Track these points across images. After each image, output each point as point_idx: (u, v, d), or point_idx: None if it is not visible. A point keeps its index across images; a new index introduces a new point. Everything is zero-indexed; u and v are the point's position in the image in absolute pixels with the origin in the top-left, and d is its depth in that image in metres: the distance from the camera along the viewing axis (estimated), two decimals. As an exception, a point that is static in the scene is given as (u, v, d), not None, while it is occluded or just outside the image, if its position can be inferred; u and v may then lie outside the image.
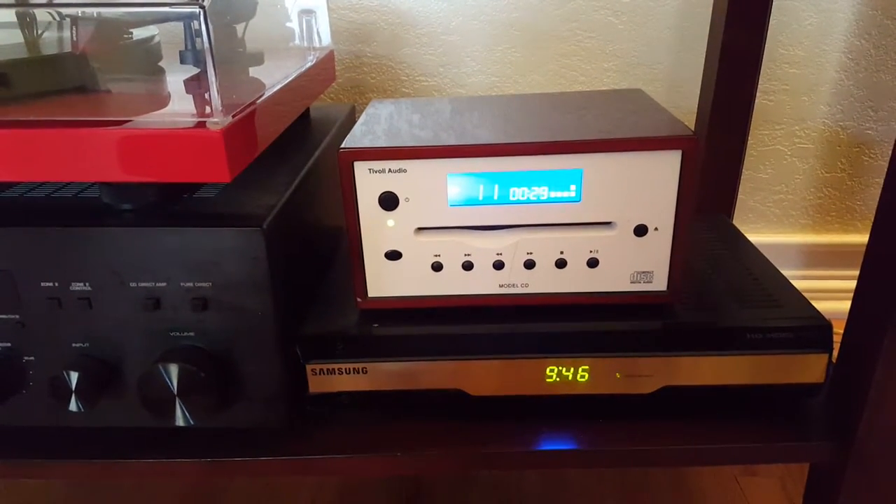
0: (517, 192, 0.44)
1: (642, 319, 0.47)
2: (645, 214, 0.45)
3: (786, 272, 0.55)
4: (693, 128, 0.78)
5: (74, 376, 0.42)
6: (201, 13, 0.36)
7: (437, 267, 0.47)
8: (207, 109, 0.40)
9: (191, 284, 0.42)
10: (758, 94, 0.78)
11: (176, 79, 0.49)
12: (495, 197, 0.45)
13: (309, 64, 0.61)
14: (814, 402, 0.49)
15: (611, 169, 0.44)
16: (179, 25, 0.44)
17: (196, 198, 0.46)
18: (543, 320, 0.47)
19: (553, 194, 0.44)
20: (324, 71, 0.67)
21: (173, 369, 0.42)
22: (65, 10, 0.45)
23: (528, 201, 0.45)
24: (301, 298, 0.50)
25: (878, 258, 0.44)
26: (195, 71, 0.45)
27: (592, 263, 0.46)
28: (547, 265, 0.46)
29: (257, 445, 0.46)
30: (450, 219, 0.45)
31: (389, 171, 0.44)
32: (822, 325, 0.46)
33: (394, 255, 0.46)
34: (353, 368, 0.47)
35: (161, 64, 0.51)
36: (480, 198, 0.45)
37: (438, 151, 0.43)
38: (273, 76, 0.53)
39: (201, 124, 0.38)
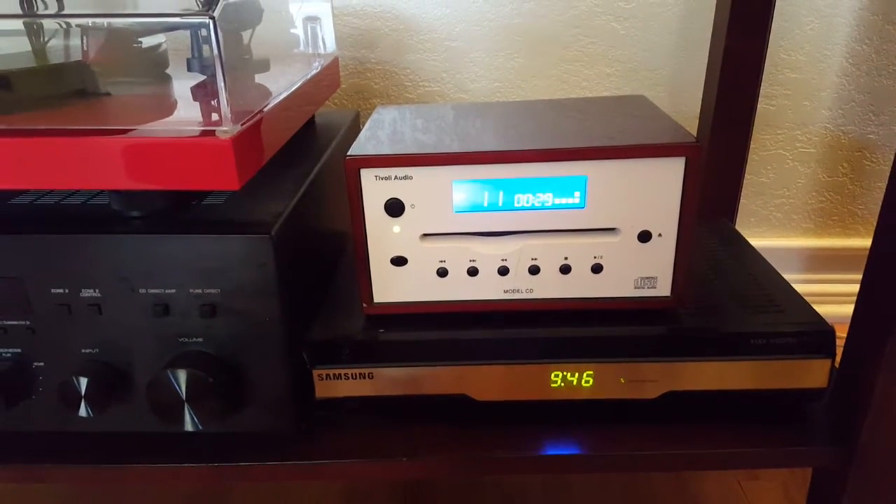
0: (522, 199, 0.45)
1: (646, 325, 0.47)
2: (649, 220, 0.45)
3: (788, 276, 0.55)
4: (695, 132, 0.78)
5: (84, 382, 0.43)
6: (211, 23, 0.37)
7: (442, 273, 0.47)
8: (216, 117, 0.40)
9: (199, 291, 0.42)
10: (760, 99, 0.78)
11: (183, 86, 0.50)
12: (500, 203, 0.45)
13: (314, 70, 0.62)
14: (817, 407, 0.49)
15: (615, 176, 0.44)
16: (186, 32, 0.45)
17: (204, 205, 0.46)
18: (548, 326, 0.47)
19: (557, 201, 0.45)
20: (329, 77, 0.67)
21: (182, 375, 0.42)
22: (75, 20, 0.45)
23: (533, 207, 0.45)
24: (308, 304, 0.50)
25: (881, 262, 0.44)
26: (202, 78, 0.46)
27: (596, 269, 0.47)
28: (551, 271, 0.47)
29: (264, 450, 0.47)
30: (455, 225, 0.46)
31: (395, 177, 0.44)
32: (825, 331, 0.46)
33: (399, 261, 0.47)
34: (359, 374, 0.47)
35: (168, 71, 0.52)
36: (485, 204, 0.45)
37: (444, 159, 0.44)
38: (279, 83, 0.53)
39: (210, 132, 0.39)
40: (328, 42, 0.69)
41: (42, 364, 0.45)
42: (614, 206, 0.45)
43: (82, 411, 0.43)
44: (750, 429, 0.47)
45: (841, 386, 0.48)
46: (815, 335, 0.46)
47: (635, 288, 0.47)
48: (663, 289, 0.47)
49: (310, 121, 0.68)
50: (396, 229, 0.46)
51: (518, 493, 0.68)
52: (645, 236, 0.46)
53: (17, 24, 0.47)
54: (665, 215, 0.45)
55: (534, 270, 0.47)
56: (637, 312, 0.48)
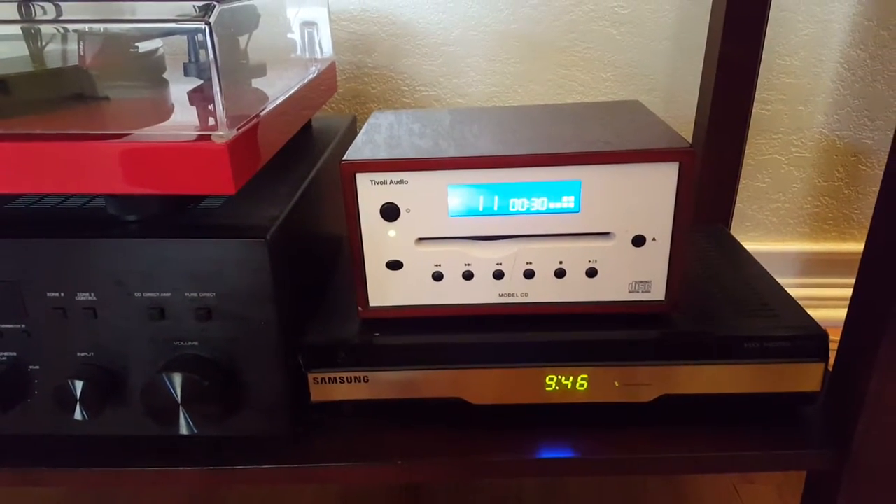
0: (517, 203, 0.45)
1: (641, 329, 0.47)
2: (643, 225, 0.45)
3: (783, 280, 0.55)
4: (691, 137, 0.79)
5: (79, 385, 0.43)
6: (207, 29, 0.37)
7: (437, 276, 0.47)
8: (212, 122, 0.40)
9: (195, 294, 0.43)
10: (755, 104, 0.78)
11: (179, 90, 0.50)
12: (495, 208, 0.45)
13: (311, 75, 0.62)
14: (811, 411, 0.49)
15: (609, 180, 0.44)
16: (183, 38, 0.45)
17: (200, 209, 0.46)
18: (543, 329, 0.47)
19: (552, 205, 0.45)
20: (326, 82, 0.67)
21: (177, 378, 0.42)
22: (71, 25, 0.45)
23: (528, 212, 0.45)
24: (303, 308, 0.50)
25: (874, 266, 0.44)
26: (198, 83, 0.46)
27: (591, 273, 0.47)
28: (546, 275, 0.47)
29: (259, 453, 0.47)
30: (450, 229, 0.46)
31: (391, 182, 0.45)
32: (818, 335, 0.46)
33: (395, 265, 0.47)
34: (355, 377, 0.48)
35: (165, 76, 0.52)
36: (480, 208, 0.45)
37: (439, 163, 0.44)
38: (276, 88, 0.53)
39: (206, 137, 0.39)
40: (325, 47, 0.69)
41: (37, 367, 0.45)
42: (609, 210, 0.45)
43: (78, 415, 0.43)
44: (744, 432, 0.48)
45: (834, 389, 0.48)
46: (809, 339, 0.46)
47: (630, 292, 0.47)
48: (657, 293, 0.47)
49: (307, 125, 0.68)
50: (392, 233, 0.46)
51: (514, 496, 0.68)
52: (639, 241, 0.46)
53: (15, 30, 0.47)
54: (659, 220, 0.45)
55: (529, 274, 0.47)
56: (631, 316, 0.48)
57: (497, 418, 0.49)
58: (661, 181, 0.44)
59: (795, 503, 0.64)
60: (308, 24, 0.67)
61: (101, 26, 0.45)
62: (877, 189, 0.90)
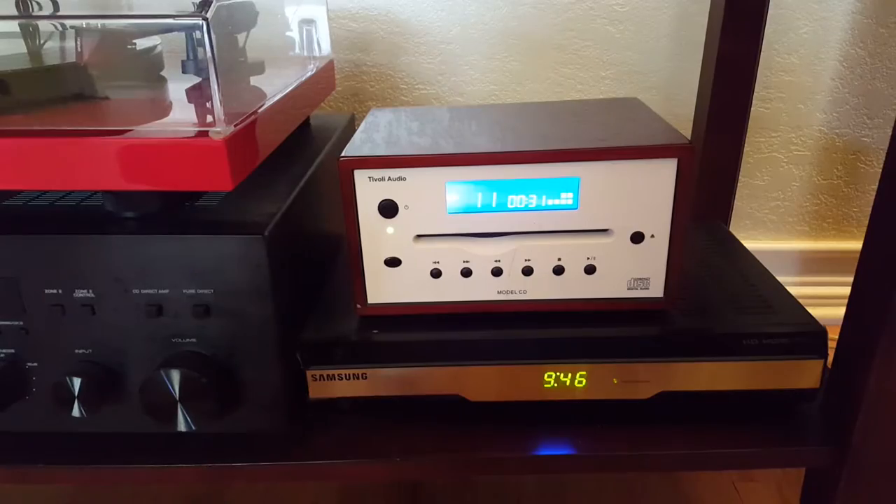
0: (515, 200, 0.45)
1: (639, 326, 0.47)
2: (641, 222, 0.45)
3: (783, 278, 0.55)
4: (689, 135, 0.79)
5: (77, 382, 0.43)
6: (204, 25, 0.37)
7: (436, 273, 0.47)
8: (210, 119, 0.40)
9: (193, 291, 0.43)
10: (754, 102, 0.78)
11: (178, 87, 0.50)
12: (493, 204, 0.45)
13: (309, 73, 0.62)
14: (809, 408, 0.49)
15: (607, 177, 0.44)
16: (181, 34, 0.45)
17: (198, 206, 0.46)
18: (541, 326, 0.47)
19: (550, 202, 0.45)
20: (324, 79, 0.67)
21: (175, 375, 0.42)
22: (69, 22, 0.45)
23: (526, 209, 0.45)
24: (301, 305, 0.50)
25: (872, 264, 0.44)
26: (197, 80, 0.46)
27: (590, 270, 0.47)
28: (545, 272, 0.47)
29: (258, 451, 0.47)
30: (448, 226, 0.46)
31: (389, 179, 0.44)
32: (817, 332, 0.46)
33: (393, 262, 0.47)
34: (353, 374, 0.47)
35: (163, 73, 0.52)
36: (479, 205, 0.45)
37: (437, 160, 0.44)
38: (274, 85, 0.53)
39: (204, 133, 0.39)
40: (323, 45, 0.69)
41: (36, 364, 0.45)
42: (607, 207, 0.45)
43: (76, 412, 0.43)
44: (742, 429, 0.48)
45: (833, 386, 0.48)
46: (808, 336, 0.46)
47: (628, 289, 0.47)
48: (656, 290, 0.47)
49: (305, 123, 0.68)
50: (390, 230, 0.46)
51: (513, 494, 0.68)
52: (638, 237, 0.46)
53: (13, 27, 0.47)
54: (658, 216, 0.45)
55: (527, 271, 0.47)
56: (630, 313, 0.48)
57: (495, 415, 0.49)
58: (660, 178, 0.44)
59: (795, 501, 0.64)
60: (306, 22, 0.67)
61: (99, 22, 0.45)
62: (876, 187, 0.90)
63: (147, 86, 0.51)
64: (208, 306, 0.43)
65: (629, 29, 0.83)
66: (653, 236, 0.46)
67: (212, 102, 0.40)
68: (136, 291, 0.43)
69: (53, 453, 0.47)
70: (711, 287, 0.53)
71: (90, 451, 0.47)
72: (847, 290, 0.47)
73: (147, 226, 0.43)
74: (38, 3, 0.44)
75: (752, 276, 0.55)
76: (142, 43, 0.50)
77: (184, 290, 0.43)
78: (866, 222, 0.45)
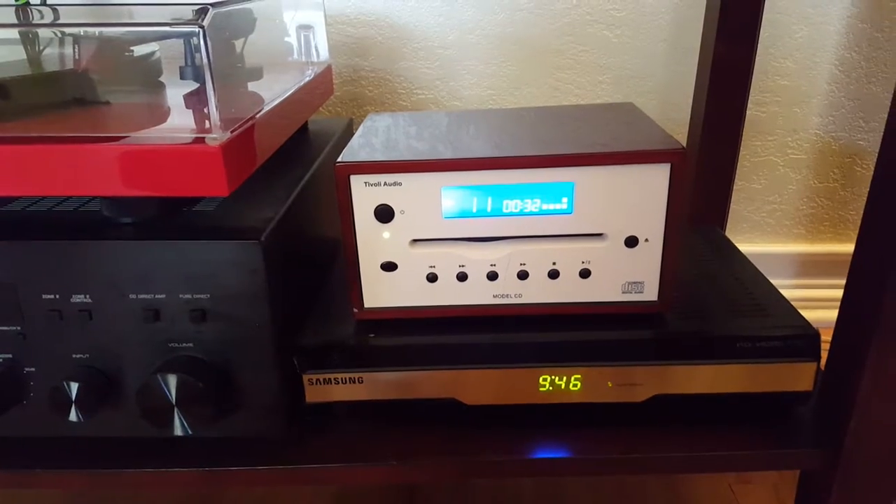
0: (510, 205, 0.45)
1: (634, 329, 0.47)
2: (635, 226, 0.46)
3: (780, 281, 0.55)
4: (685, 139, 0.79)
5: (74, 387, 0.43)
6: (201, 32, 0.37)
7: (432, 278, 0.47)
8: (206, 125, 0.41)
9: (189, 296, 0.43)
10: (750, 106, 0.79)
11: (176, 93, 0.50)
12: (489, 209, 0.45)
13: (307, 78, 0.62)
14: (803, 410, 0.50)
15: (602, 182, 0.44)
16: (179, 41, 0.45)
17: (195, 211, 0.46)
18: (536, 330, 0.48)
19: (545, 206, 0.45)
20: (322, 85, 0.68)
21: (172, 379, 0.43)
22: (68, 29, 0.46)
23: (522, 213, 0.45)
24: (298, 309, 0.50)
25: (864, 267, 0.45)
26: (195, 86, 0.46)
27: (584, 274, 0.47)
28: (540, 276, 0.47)
29: (255, 455, 0.47)
30: (444, 231, 0.46)
31: (385, 184, 0.45)
32: (810, 334, 0.47)
33: (389, 267, 0.47)
34: (350, 378, 0.48)
35: (161, 79, 0.52)
36: (474, 210, 0.45)
37: (433, 165, 0.44)
38: (272, 90, 0.54)
39: (200, 139, 0.39)
40: (321, 50, 0.70)
41: (33, 369, 0.45)
42: (601, 211, 0.45)
43: (73, 416, 0.44)
44: (737, 432, 0.48)
45: (826, 389, 0.48)
46: (801, 339, 0.46)
47: (623, 293, 0.48)
48: (650, 293, 0.48)
49: (303, 128, 0.68)
50: (386, 235, 0.46)
51: (509, 496, 0.68)
52: (632, 242, 0.46)
53: (12, 34, 0.48)
54: (651, 221, 0.45)
55: (522, 275, 0.47)
56: (625, 317, 0.48)
57: (491, 419, 0.49)
58: (653, 182, 0.44)
59: (791, 502, 0.64)
60: (304, 28, 0.68)
61: (97, 30, 0.45)
62: (872, 190, 0.90)
63: (145, 92, 0.52)
64: (205, 311, 0.43)
65: (626, 34, 0.83)
66: (647, 240, 0.46)
67: (208, 109, 0.40)
68: (133, 296, 0.43)
69: (51, 458, 0.47)
70: (706, 290, 0.53)
71: (87, 455, 0.47)
72: (843, 293, 0.47)
73: (144, 231, 0.43)
74: (39, 12, 0.44)
75: (746, 279, 0.55)
76: (140, 49, 0.51)
77: (181, 295, 0.43)
78: (862, 225, 0.45)
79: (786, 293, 0.53)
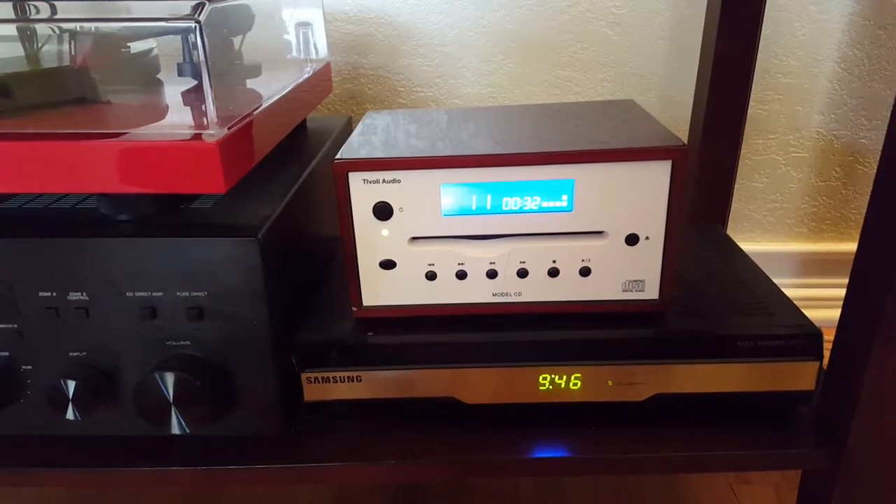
0: (510, 202, 0.45)
1: (634, 328, 0.47)
2: (636, 224, 0.45)
3: (781, 281, 0.55)
4: (687, 137, 0.79)
5: (72, 385, 0.43)
6: (197, 28, 0.37)
7: (431, 276, 0.47)
8: (204, 121, 0.40)
9: (187, 294, 0.43)
10: (752, 104, 0.78)
11: (174, 90, 0.50)
12: (488, 207, 0.45)
13: (306, 75, 0.62)
14: (805, 410, 0.49)
15: (602, 179, 0.44)
16: (178, 37, 0.45)
17: (192, 208, 0.46)
18: (536, 328, 0.47)
19: (545, 204, 0.45)
20: (321, 82, 0.67)
21: (169, 378, 0.42)
22: (64, 24, 0.46)
23: (521, 211, 0.45)
24: (296, 307, 0.50)
25: (866, 266, 0.44)
26: (193, 83, 0.46)
27: (585, 272, 0.47)
28: (540, 274, 0.47)
29: (253, 453, 0.47)
30: (443, 228, 0.46)
31: (383, 181, 0.44)
32: (812, 333, 0.46)
33: (388, 265, 0.47)
34: (348, 377, 0.47)
35: (159, 76, 0.52)
36: (474, 208, 0.45)
37: (432, 162, 0.44)
38: (270, 88, 0.53)
39: (197, 136, 0.39)
40: (320, 47, 0.69)
41: (30, 367, 0.45)
42: (602, 209, 0.45)
43: (70, 414, 0.43)
44: (738, 431, 0.47)
45: (828, 388, 0.48)
46: (803, 338, 0.46)
47: (623, 291, 0.47)
48: (651, 292, 0.47)
49: (301, 125, 0.68)
50: (385, 233, 0.46)
51: (509, 496, 0.68)
52: (632, 239, 0.46)
53: (8, 30, 0.47)
54: (652, 218, 0.45)
55: (522, 273, 0.47)
56: (625, 315, 0.48)
57: (491, 418, 0.49)
58: (654, 179, 0.44)
59: (793, 503, 0.63)
60: (303, 25, 0.67)
61: (93, 25, 0.45)
62: (874, 189, 0.90)
63: (143, 88, 0.51)
64: (202, 309, 0.43)
65: (626, 31, 0.83)
66: (647, 238, 0.46)
67: (205, 105, 0.40)
68: (130, 294, 0.43)
69: (48, 456, 0.47)
70: (707, 289, 0.53)
71: (84, 453, 0.47)
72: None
73: (141, 229, 0.43)
74: (36, 7, 0.44)
75: (747, 277, 0.55)
76: (137, 46, 0.50)
77: (178, 293, 0.43)
78: (864, 224, 0.45)
79: (787, 292, 0.53)
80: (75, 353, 0.44)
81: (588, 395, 0.47)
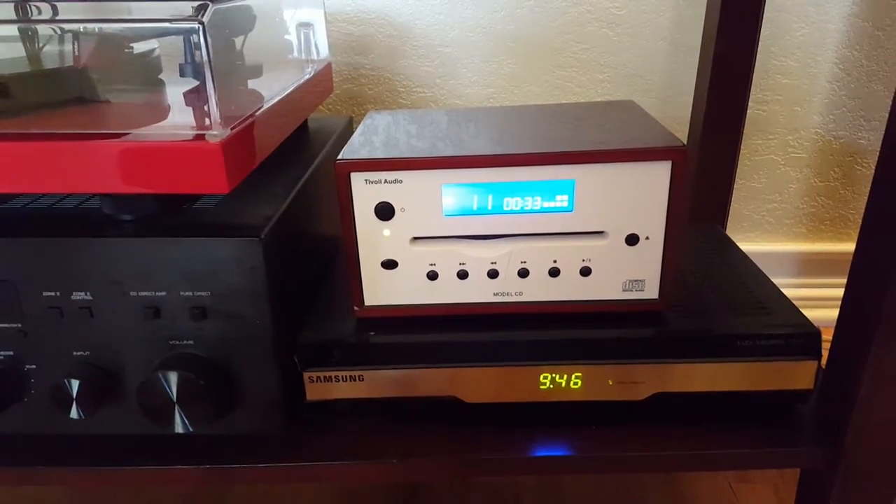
0: (511, 203, 0.45)
1: (634, 327, 0.47)
2: (636, 224, 0.46)
3: (780, 281, 0.55)
4: (686, 138, 0.79)
5: (75, 384, 0.43)
6: (200, 28, 0.37)
7: (432, 276, 0.47)
8: (206, 122, 0.41)
9: (190, 293, 0.43)
10: (751, 105, 0.79)
11: (176, 91, 0.50)
12: (489, 207, 0.45)
13: (307, 76, 0.62)
14: (804, 409, 0.50)
15: (602, 179, 0.44)
16: (180, 38, 0.45)
17: (195, 208, 0.46)
18: (537, 328, 0.48)
19: (546, 204, 0.45)
20: (322, 83, 0.68)
21: (172, 377, 0.43)
22: (66, 25, 0.46)
23: (522, 211, 0.45)
24: (299, 307, 0.50)
25: (865, 265, 0.44)
26: (195, 83, 0.46)
27: (585, 272, 0.47)
28: (540, 274, 0.47)
29: (255, 452, 0.47)
30: (445, 228, 0.46)
31: (385, 181, 0.45)
32: (811, 333, 0.46)
33: (390, 265, 0.47)
34: (350, 376, 0.48)
35: (161, 77, 0.52)
36: (475, 208, 0.45)
37: (433, 162, 0.44)
38: (271, 88, 0.54)
39: (200, 136, 0.39)
40: (321, 48, 0.70)
41: (34, 367, 0.45)
42: (602, 209, 0.45)
43: (74, 413, 0.44)
44: (737, 430, 0.48)
45: (827, 387, 0.48)
46: (802, 337, 0.46)
47: (623, 291, 0.48)
48: (651, 291, 0.47)
49: (303, 126, 0.68)
50: (387, 233, 0.46)
51: (510, 494, 0.68)
52: (632, 239, 0.46)
53: (11, 31, 0.48)
54: (652, 218, 0.45)
55: (523, 273, 0.47)
56: (625, 315, 0.48)
57: (491, 417, 0.49)
58: (654, 180, 0.44)
59: (792, 501, 0.64)
60: (304, 26, 0.68)
61: (96, 26, 0.45)
62: (872, 189, 0.90)
63: (145, 89, 0.52)
64: (205, 308, 0.43)
65: (626, 32, 0.83)
66: (647, 238, 0.46)
67: (208, 106, 0.40)
68: (133, 294, 0.43)
69: (52, 455, 0.47)
70: (706, 288, 0.53)
71: (88, 452, 0.47)
72: (844, 292, 0.47)
73: (144, 229, 0.43)
74: (38, 8, 0.44)
75: (746, 277, 0.55)
76: (140, 47, 0.50)
77: (181, 293, 0.43)
78: (863, 224, 0.45)
79: (786, 292, 0.53)
80: (79, 353, 0.44)
81: (588, 394, 0.48)
